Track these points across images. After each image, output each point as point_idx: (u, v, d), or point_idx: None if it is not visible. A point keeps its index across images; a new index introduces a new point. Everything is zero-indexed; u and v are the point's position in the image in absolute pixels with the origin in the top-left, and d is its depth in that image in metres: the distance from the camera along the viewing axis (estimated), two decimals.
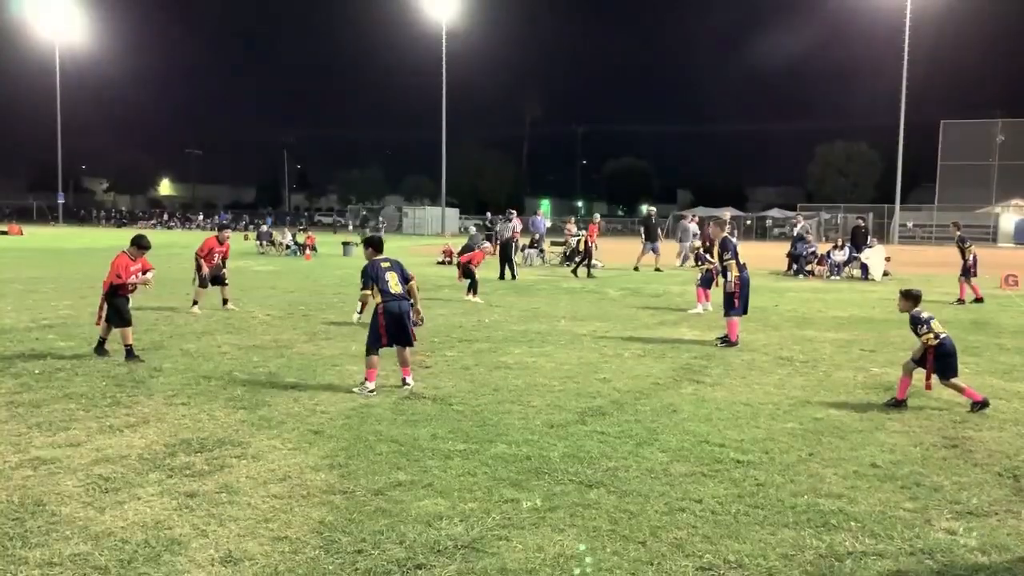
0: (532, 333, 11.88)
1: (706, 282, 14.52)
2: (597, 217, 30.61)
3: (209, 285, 13.88)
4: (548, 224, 33.35)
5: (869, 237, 26.13)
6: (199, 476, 5.37)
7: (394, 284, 7.90)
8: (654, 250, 25.98)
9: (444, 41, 64.93)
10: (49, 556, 4.11)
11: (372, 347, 7.88)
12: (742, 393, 8.10)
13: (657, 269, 25.25)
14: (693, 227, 27.42)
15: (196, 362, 9.28)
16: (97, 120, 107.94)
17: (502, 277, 21.51)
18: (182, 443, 6.08)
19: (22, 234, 48.91)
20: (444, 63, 65.16)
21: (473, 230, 33.67)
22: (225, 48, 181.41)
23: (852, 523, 4.75)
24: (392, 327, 7.79)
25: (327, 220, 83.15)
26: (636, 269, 25.41)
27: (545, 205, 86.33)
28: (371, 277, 7.91)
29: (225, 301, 14.09)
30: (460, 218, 70.06)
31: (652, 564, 4.16)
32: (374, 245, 8.36)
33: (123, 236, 52.02)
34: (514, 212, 24.46)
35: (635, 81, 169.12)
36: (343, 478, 5.38)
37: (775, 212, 71.85)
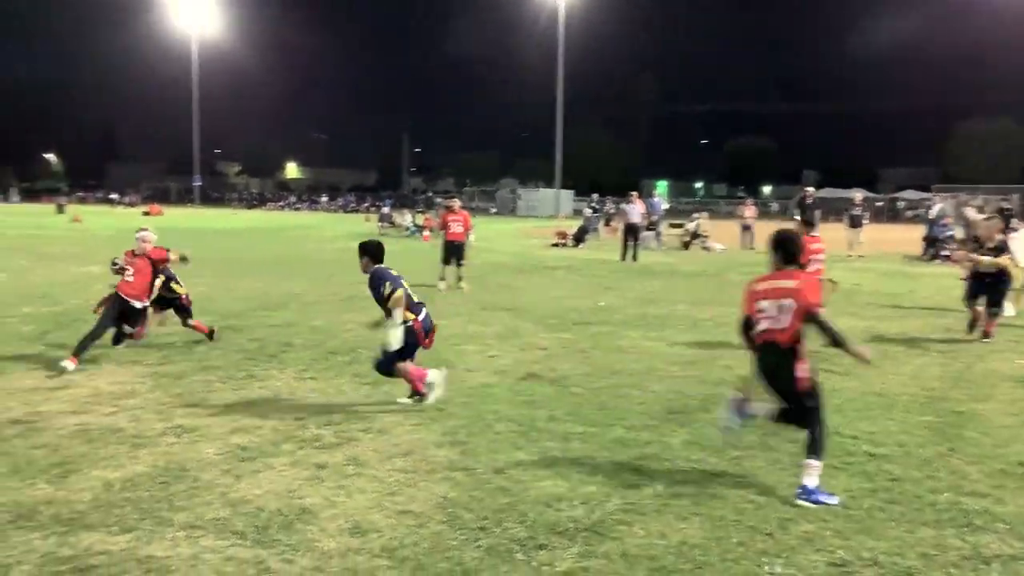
0: (650, 317, 11.71)
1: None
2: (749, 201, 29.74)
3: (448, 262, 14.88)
4: (666, 206, 32.76)
5: (1013, 220, 24.38)
6: (328, 448, 5.56)
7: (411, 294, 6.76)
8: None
9: (562, 20, 64.54)
10: (192, 519, 4.36)
11: (400, 358, 6.57)
12: (875, 383, 7.71)
13: None
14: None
15: (324, 338, 9.63)
16: (230, 107, 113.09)
17: (623, 259, 21.39)
18: (312, 416, 6.32)
19: (162, 214, 52.02)
20: (561, 43, 64.81)
21: (588, 212, 33.47)
22: (347, 35, 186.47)
23: (999, 525, 4.45)
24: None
25: (443, 202, 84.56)
26: None
27: (662, 186, 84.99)
28: (391, 279, 6.72)
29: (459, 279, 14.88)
30: (574, 199, 69.77)
31: (780, 557, 4.03)
32: (371, 253, 7.00)
33: (254, 217, 54.04)
34: (634, 194, 24.08)
35: (758, 58, 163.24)
36: (464, 455, 5.46)
37: (908, 193, 67.98)
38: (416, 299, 6.85)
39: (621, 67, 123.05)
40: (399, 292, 6.60)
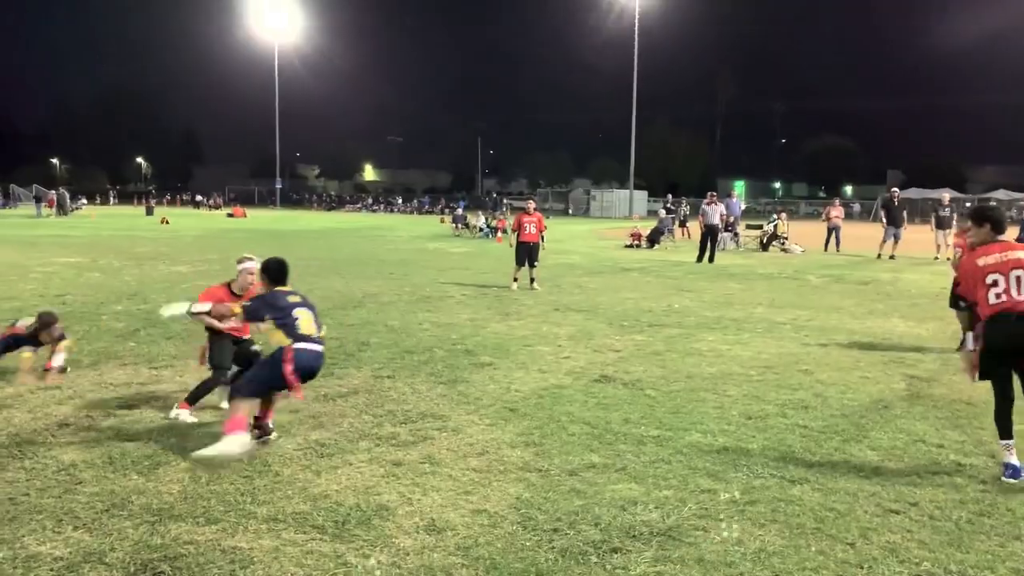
0: (727, 320, 11.52)
1: None
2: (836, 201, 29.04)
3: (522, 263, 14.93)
4: (743, 206, 32.15)
5: None
6: (404, 446, 5.65)
7: (306, 324, 5.60)
8: (896, 236, 23.43)
9: (637, 18, 64.03)
10: (274, 512, 4.49)
11: (258, 391, 5.57)
12: (963, 390, 7.41)
13: (891, 256, 22.96)
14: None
15: (400, 337, 9.78)
16: (310, 112, 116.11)
17: (700, 260, 21.20)
18: (388, 414, 6.43)
19: (245, 216, 53.68)
20: (636, 41, 64.30)
21: (662, 213, 33.12)
22: (424, 39, 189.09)
23: None
24: (302, 378, 5.48)
25: (518, 204, 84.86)
26: (879, 256, 23.12)
27: (740, 187, 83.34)
28: (269, 307, 5.64)
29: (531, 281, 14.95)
30: (648, 200, 69.10)
31: (862, 567, 3.91)
32: (270, 272, 5.99)
33: (332, 218, 55.31)
34: (714, 194, 23.79)
35: (840, 54, 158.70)
36: (538, 456, 5.47)
37: (1000, 194, 65.09)
38: (316, 332, 5.67)
39: (697, 65, 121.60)
40: (260, 325, 5.81)
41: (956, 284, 6.82)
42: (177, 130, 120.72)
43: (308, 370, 5.54)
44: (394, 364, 8.31)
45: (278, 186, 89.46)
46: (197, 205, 79.05)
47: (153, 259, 20.03)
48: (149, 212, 53.40)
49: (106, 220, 44.05)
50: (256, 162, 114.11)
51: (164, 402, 6.69)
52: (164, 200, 79.66)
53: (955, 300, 6.76)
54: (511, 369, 8.14)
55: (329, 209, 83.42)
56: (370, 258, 21.78)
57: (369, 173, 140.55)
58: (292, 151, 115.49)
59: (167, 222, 41.51)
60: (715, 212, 22.41)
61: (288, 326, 5.52)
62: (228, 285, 6.59)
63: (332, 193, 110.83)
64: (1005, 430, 5.21)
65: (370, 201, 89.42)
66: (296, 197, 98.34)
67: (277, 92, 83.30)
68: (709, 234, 21.93)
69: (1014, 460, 5.13)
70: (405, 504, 4.62)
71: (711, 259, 21.39)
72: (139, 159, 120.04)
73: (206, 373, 6.56)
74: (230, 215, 54.78)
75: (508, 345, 9.43)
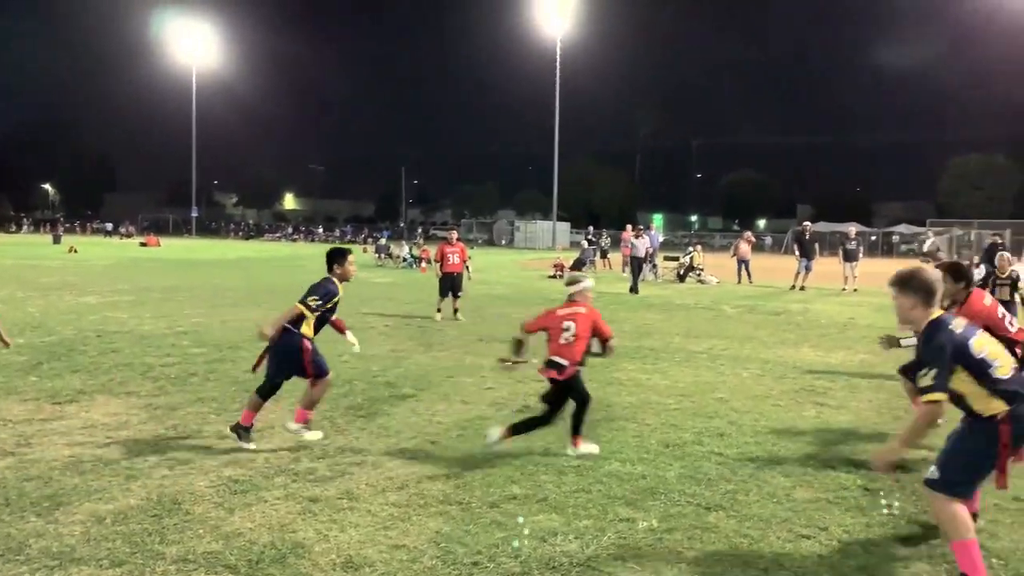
0: (645, 349, 11.72)
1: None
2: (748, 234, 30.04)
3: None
4: (661, 239, 32.90)
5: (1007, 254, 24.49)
6: (321, 482, 5.53)
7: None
8: (807, 268, 24.11)
9: (559, 56, 65.29)
10: (184, 552, 4.32)
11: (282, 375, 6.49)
12: (869, 417, 7.72)
13: (801, 288, 23.55)
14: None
15: None
16: (228, 138, 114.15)
17: (632, 290, 21.66)
18: (305, 449, 6.29)
19: (159, 245, 52.13)
20: (558, 78, 65.50)
21: (585, 244, 33.59)
22: (346, 69, 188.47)
23: (994, 560, 4.43)
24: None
25: (441, 234, 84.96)
26: (793, 288, 23.70)
27: (658, 219, 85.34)
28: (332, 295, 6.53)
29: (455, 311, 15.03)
30: (571, 232, 70.06)
31: None
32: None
33: (250, 248, 54.10)
34: (641, 228, 24.47)
35: (753, 92, 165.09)
36: (459, 489, 5.43)
37: (902, 228, 68.44)
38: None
39: (617, 102, 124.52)
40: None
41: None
42: (89, 156, 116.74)
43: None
44: None
45: (194, 214, 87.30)
46: (106, 234, 76.39)
47: (59, 289, 19.22)
48: (56, 240, 51.34)
49: (9, 248, 42.13)
50: (171, 189, 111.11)
51: (67, 438, 6.40)
52: (74, 228, 76.75)
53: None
54: (433, 401, 8.09)
55: (247, 238, 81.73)
56: (289, 288, 21.35)
57: (290, 202, 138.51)
58: (209, 178, 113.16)
59: (75, 251, 39.92)
60: (642, 245, 22.95)
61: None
62: (571, 302, 6.55)
63: (251, 222, 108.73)
64: None
65: (290, 230, 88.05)
66: (213, 226, 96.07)
67: (194, 117, 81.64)
68: (636, 266, 22.60)
69: None
70: (322, 541, 4.52)
71: (633, 289, 21.83)
72: (45, 185, 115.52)
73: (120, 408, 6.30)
74: (143, 244, 53.12)
75: (431, 376, 9.37)
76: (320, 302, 6.38)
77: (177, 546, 4.40)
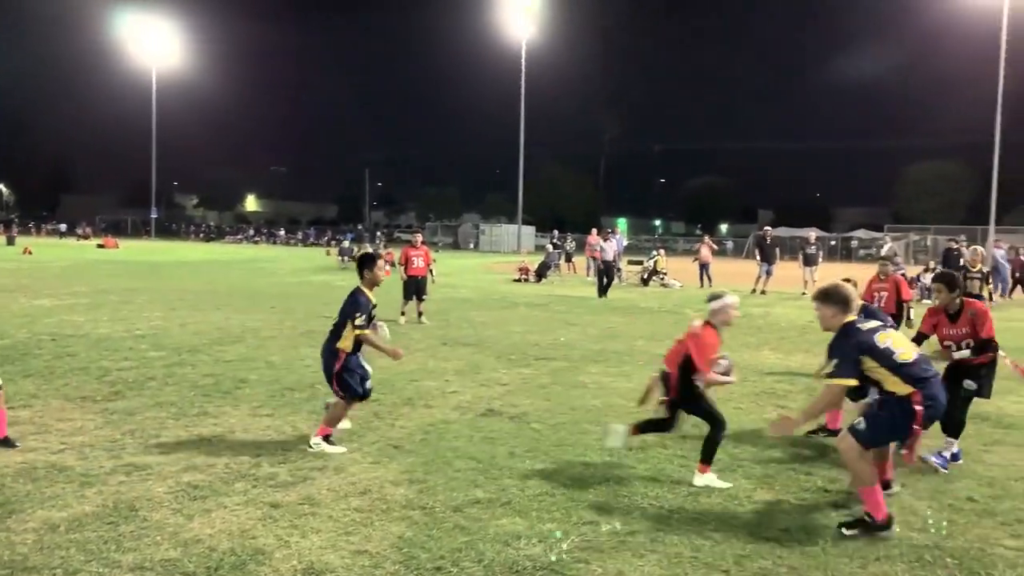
0: (610, 352, 11.78)
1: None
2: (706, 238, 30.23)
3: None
4: (625, 243, 33.09)
5: (963, 260, 25.06)
6: (283, 487, 5.47)
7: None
8: (768, 273, 24.23)
9: (523, 60, 65.40)
10: (141, 560, 4.24)
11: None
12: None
13: (762, 292, 23.70)
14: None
15: (280, 374, 9.50)
16: (189, 139, 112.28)
17: (602, 295, 21.69)
18: (266, 454, 6.21)
19: (117, 247, 51.18)
20: (523, 82, 65.60)
21: (550, 248, 33.67)
22: (310, 69, 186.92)
23: (948, 559, 4.52)
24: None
25: (406, 237, 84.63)
26: (754, 292, 23.70)
27: (622, 224, 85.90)
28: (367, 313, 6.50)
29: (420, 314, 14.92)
30: (536, 235, 70.18)
31: None
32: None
33: (211, 249, 53.43)
34: (610, 231, 24.52)
35: (716, 98, 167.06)
36: (422, 493, 5.40)
37: (860, 233, 69.63)
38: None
39: (582, 106, 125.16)
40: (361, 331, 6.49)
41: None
42: (44, 156, 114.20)
43: None
44: (274, 402, 8.06)
45: (153, 216, 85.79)
46: (63, 235, 74.86)
47: (12, 291, 18.78)
48: (10, 242, 50.23)
49: None
50: (130, 190, 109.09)
51: (20, 444, 6.23)
52: (29, 229, 75.13)
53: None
54: (396, 405, 8.04)
55: (208, 240, 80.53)
56: (250, 291, 21.14)
57: (251, 203, 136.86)
58: (169, 179, 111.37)
59: (30, 252, 39.06)
60: (611, 248, 22.92)
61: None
62: (708, 323, 5.95)
63: (211, 223, 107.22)
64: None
65: (251, 232, 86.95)
66: (173, 227, 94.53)
67: (154, 118, 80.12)
68: (606, 270, 22.48)
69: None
70: (282, 547, 4.46)
71: (603, 293, 21.81)
72: None
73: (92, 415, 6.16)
74: (100, 246, 52.10)
75: (394, 380, 9.31)
76: (364, 317, 6.42)
77: (134, 554, 4.32)
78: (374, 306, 6.61)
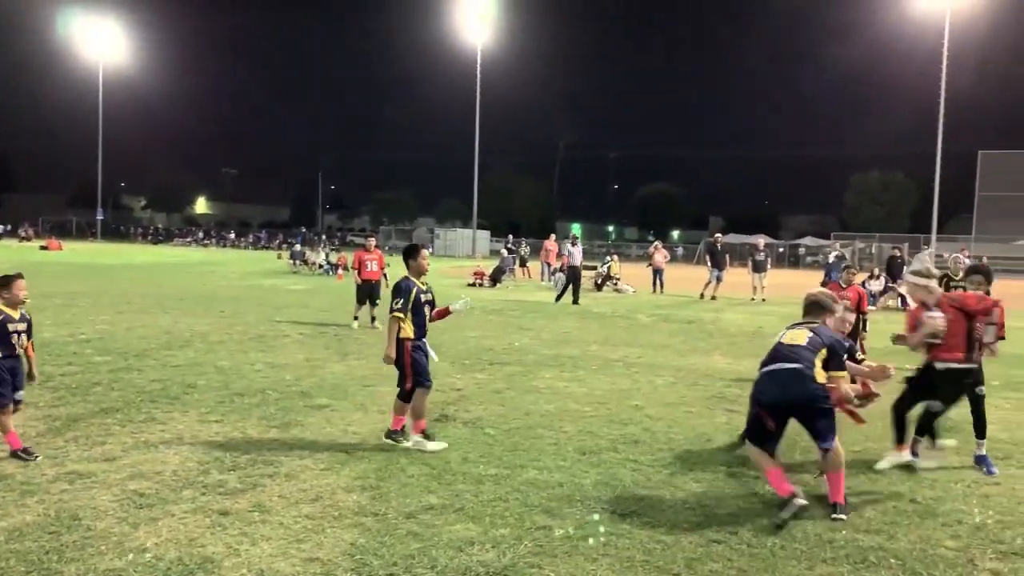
0: (564, 357, 11.83)
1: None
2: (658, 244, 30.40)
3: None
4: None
5: (905, 267, 25.65)
6: (232, 494, 5.38)
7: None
8: (718, 279, 24.61)
9: (479, 65, 65.46)
10: (84, 571, 4.14)
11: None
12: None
13: (712, 297, 24.05)
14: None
15: (230, 379, 9.35)
16: (137, 139, 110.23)
17: (575, 302, 21.36)
18: (215, 460, 6.11)
19: (61, 249, 49.87)
20: (479, 87, 65.67)
21: (505, 253, 33.73)
22: (263, 71, 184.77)
23: (892, 560, 4.64)
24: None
25: (359, 240, 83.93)
26: (703, 297, 24.14)
27: (577, 229, 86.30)
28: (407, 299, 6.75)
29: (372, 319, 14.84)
30: (491, 240, 70.22)
31: None
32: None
33: (159, 252, 52.32)
34: (576, 236, 24.55)
35: (668, 107, 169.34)
36: (374, 500, 5.37)
37: (808, 240, 71.08)
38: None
39: (538, 112, 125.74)
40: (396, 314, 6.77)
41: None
42: None
43: None
44: (223, 407, 7.92)
45: (99, 217, 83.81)
46: (4, 236, 72.69)
47: None
48: None
49: None
50: (75, 191, 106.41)
51: None
52: None
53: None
54: (349, 411, 7.97)
55: (156, 243, 78.95)
56: (199, 295, 20.77)
57: (202, 206, 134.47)
58: (116, 180, 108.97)
59: None
60: (579, 253, 22.69)
61: None
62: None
63: (160, 226, 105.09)
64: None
65: (201, 235, 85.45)
66: (120, 229, 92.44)
67: (101, 117, 78.33)
68: (573, 275, 22.01)
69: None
70: (232, 556, 4.39)
71: (570, 299, 21.46)
72: None
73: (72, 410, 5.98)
74: (44, 247, 50.69)
75: (347, 386, 9.24)
76: (402, 302, 6.68)
77: (76, 564, 4.21)
78: (425, 291, 6.91)
